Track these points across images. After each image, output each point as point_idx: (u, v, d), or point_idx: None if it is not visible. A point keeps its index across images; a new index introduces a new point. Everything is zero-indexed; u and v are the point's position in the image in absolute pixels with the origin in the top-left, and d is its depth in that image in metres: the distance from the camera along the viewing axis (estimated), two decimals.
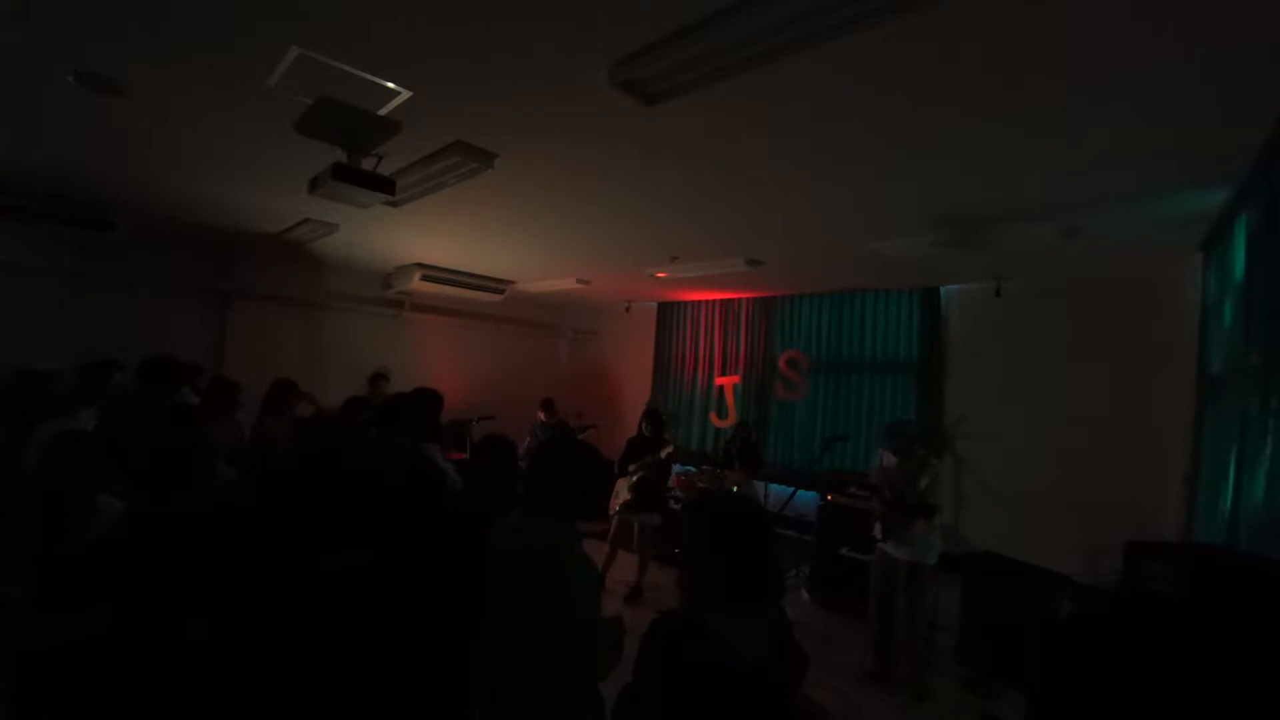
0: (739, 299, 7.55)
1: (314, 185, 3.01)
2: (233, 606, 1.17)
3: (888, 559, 3.57)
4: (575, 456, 1.80)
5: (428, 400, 3.03)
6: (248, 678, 1.08)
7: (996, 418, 5.42)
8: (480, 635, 1.59)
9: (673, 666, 1.21)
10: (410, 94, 2.46)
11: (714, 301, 7.83)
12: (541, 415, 6.33)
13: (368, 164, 2.95)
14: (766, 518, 1.41)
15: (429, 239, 5.32)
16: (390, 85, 2.39)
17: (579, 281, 6.80)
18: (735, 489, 5.35)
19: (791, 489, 4.44)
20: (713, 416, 7.65)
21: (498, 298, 7.38)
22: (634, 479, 4.67)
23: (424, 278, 6.55)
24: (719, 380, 7.63)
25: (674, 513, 5.37)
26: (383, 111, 2.61)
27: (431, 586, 1.41)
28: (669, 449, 4.69)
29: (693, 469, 6.61)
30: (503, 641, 1.58)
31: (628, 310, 8.76)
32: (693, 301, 8.08)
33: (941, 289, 5.91)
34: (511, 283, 7.28)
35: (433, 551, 1.58)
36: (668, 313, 8.43)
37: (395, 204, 3.81)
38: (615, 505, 4.75)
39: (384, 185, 2.92)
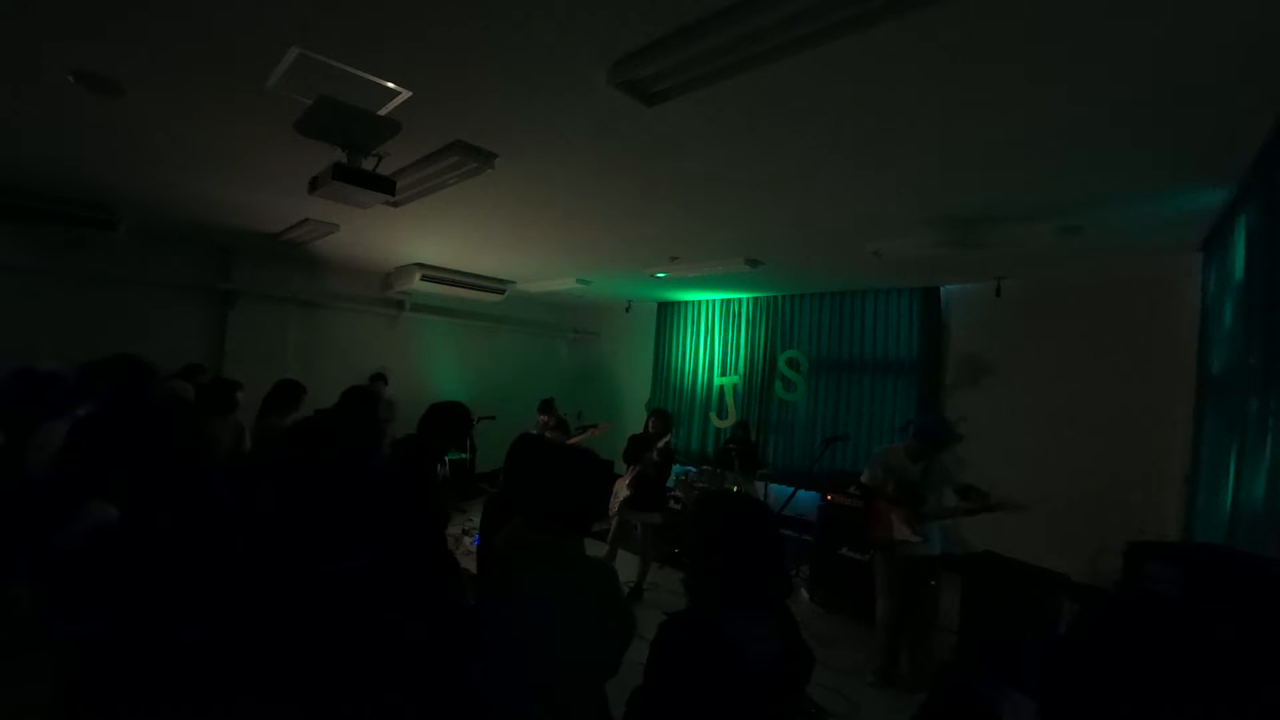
0: (739, 299, 7.55)
1: (314, 185, 3.01)
2: (229, 611, 1.17)
3: (914, 557, 3.45)
4: (577, 471, 1.74)
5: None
6: (242, 682, 1.08)
7: (996, 417, 5.41)
8: (468, 634, 1.60)
9: (684, 669, 1.20)
10: (410, 94, 2.46)
11: (714, 301, 7.83)
12: (543, 418, 6.29)
13: (368, 164, 2.95)
14: (772, 517, 1.40)
15: (429, 239, 5.31)
16: (390, 85, 2.39)
17: (579, 281, 6.80)
18: (735, 489, 5.35)
19: (791, 489, 4.44)
20: (713, 416, 7.66)
21: (498, 298, 7.38)
22: (632, 477, 4.67)
23: (424, 278, 6.55)
24: (719, 380, 7.65)
25: (674, 512, 5.37)
26: (383, 111, 2.61)
27: (420, 587, 1.41)
28: (666, 439, 4.70)
29: (693, 469, 6.61)
30: (504, 649, 1.58)
31: (628, 310, 8.77)
32: (693, 301, 8.08)
33: (941, 289, 5.91)
34: (511, 283, 7.28)
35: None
36: (668, 313, 8.43)
37: (395, 204, 3.81)
38: (614, 505, 4.75)
39: (384, 185, 2.92)
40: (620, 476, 4.83)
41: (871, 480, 3.62)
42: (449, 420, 2.96)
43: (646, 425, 4.85)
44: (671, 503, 5.54)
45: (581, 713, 1.57)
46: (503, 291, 7.31)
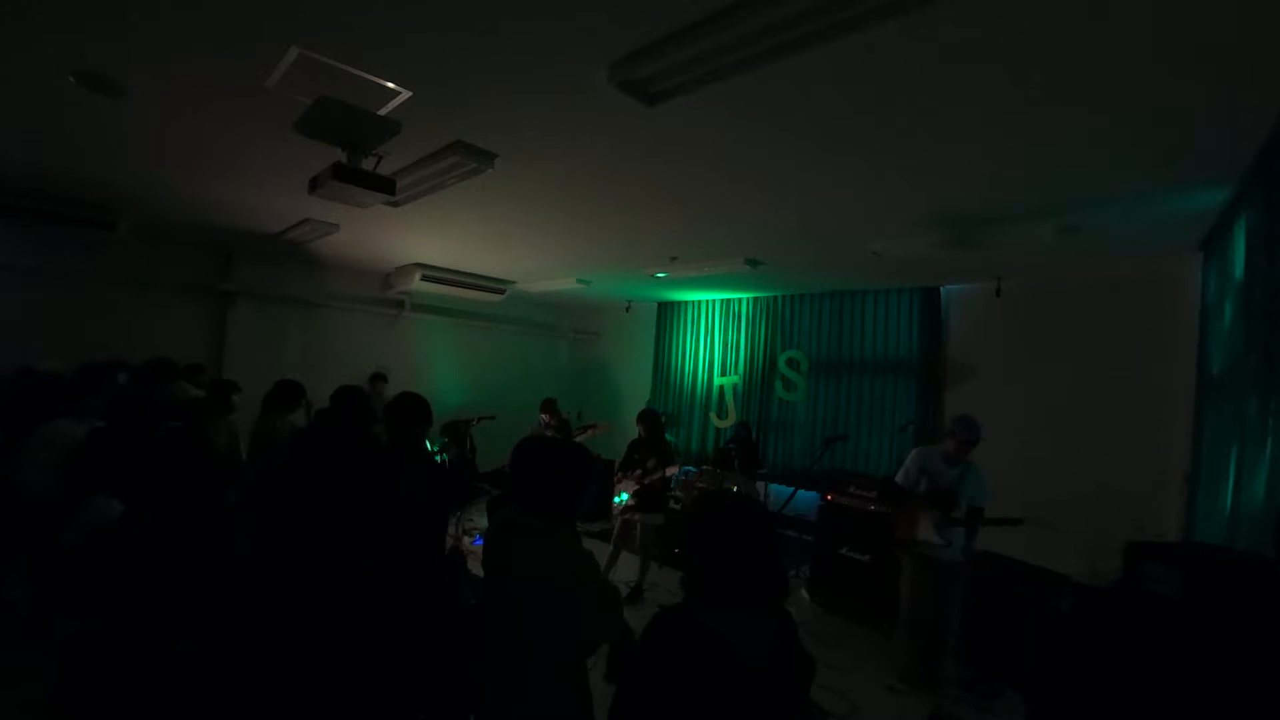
0: (739, 299, 7.55)
1: (314, 185, 3.02)
2: (227, 616, 1.17)
3: (938, 560, 3.46)
4: (558, 459, 1.80)
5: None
6: (242, 685, 1.08)
7: (996, 417, 5.40)
8: (458, 614, 1.62)
9: (673, 663, 1.20)
10: (410, 94, 2.46)
11: (714, 301, 7.83)
12: (545, 417, 6.32)
13: (368, 164, 2.95)
14: (769, 518, 1.40)
15: (429, 239, 5.32)
16: (390, 85, 2.39)
17: (579, 281, 6.80)
18: (735, 489, 5.35)
19: (791, 489, 4.44)
20: (713, 416, 7.66)
21: (498, 298, 7.38)
22: (643, 485, 4.65)
23: (424, 278, 6.56)
24: (719, 380, 7.65)
25: (675, 513, 5.37)
26: (383, 111, 2.61)
27: (416, 581, 1.42)
28: (675, 468, 4.72)
29: (693, 469, 6.61)
30: (494, 624, 1.62)
31: (628, 310, 8.77)
32: (693, 301, 8.08)
33: (941, 289, 5.91)
34: (511, 283, 7.28)
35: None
36: (668, 313, 8.43)
37: (395, 204, 3.81)
38: (616, 506, 4.75)
39: (384, 185, 2.92)
40: (620, 477, 4.82)
41: (905, 481, 3.58)
42: (406, 410, 2.66)
43: (639, 431, 4.85)
44: (672, 503, 5.54)
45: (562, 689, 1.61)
46: (503, 291, 7.31)
